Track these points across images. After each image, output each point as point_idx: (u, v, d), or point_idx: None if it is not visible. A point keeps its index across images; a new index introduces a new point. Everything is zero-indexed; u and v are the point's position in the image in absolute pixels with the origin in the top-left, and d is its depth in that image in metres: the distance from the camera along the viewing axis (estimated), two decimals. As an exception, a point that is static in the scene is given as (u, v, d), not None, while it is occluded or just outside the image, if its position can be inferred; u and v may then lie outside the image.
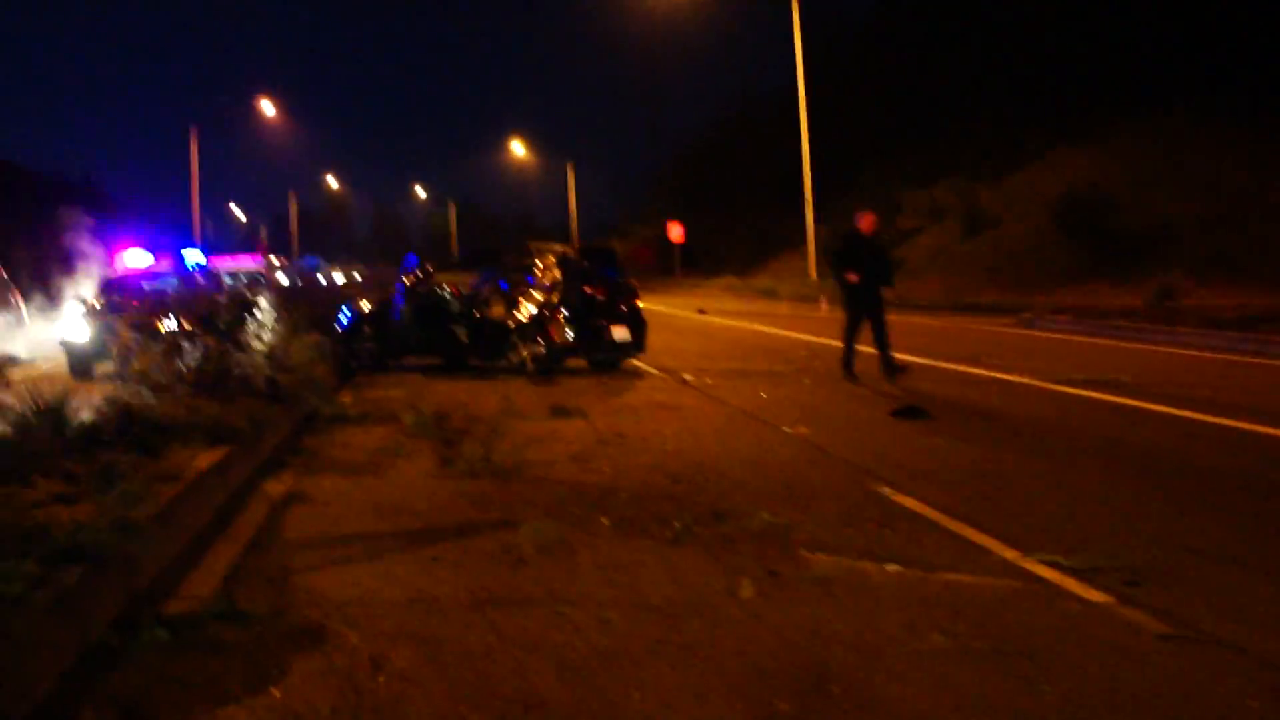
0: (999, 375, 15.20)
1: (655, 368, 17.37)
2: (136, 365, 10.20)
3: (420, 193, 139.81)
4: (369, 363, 17.96)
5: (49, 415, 7.74)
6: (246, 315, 10.72)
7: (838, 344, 20.62)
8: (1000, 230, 44.18)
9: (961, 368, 16.34)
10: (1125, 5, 47.15)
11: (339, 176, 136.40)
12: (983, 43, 53.59)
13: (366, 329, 18.21)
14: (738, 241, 67.35)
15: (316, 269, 21.43)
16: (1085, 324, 24.01)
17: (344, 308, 18.83)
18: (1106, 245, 36.81)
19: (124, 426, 8.21)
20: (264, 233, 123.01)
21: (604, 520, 7.29)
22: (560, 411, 12.44)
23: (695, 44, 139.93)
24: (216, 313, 10.49)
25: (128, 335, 10.45)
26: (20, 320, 20.49)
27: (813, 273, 47.70)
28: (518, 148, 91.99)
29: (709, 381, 15.45)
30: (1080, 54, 47.35)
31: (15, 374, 10.70)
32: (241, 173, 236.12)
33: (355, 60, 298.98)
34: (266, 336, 12.27)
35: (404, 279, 18.14)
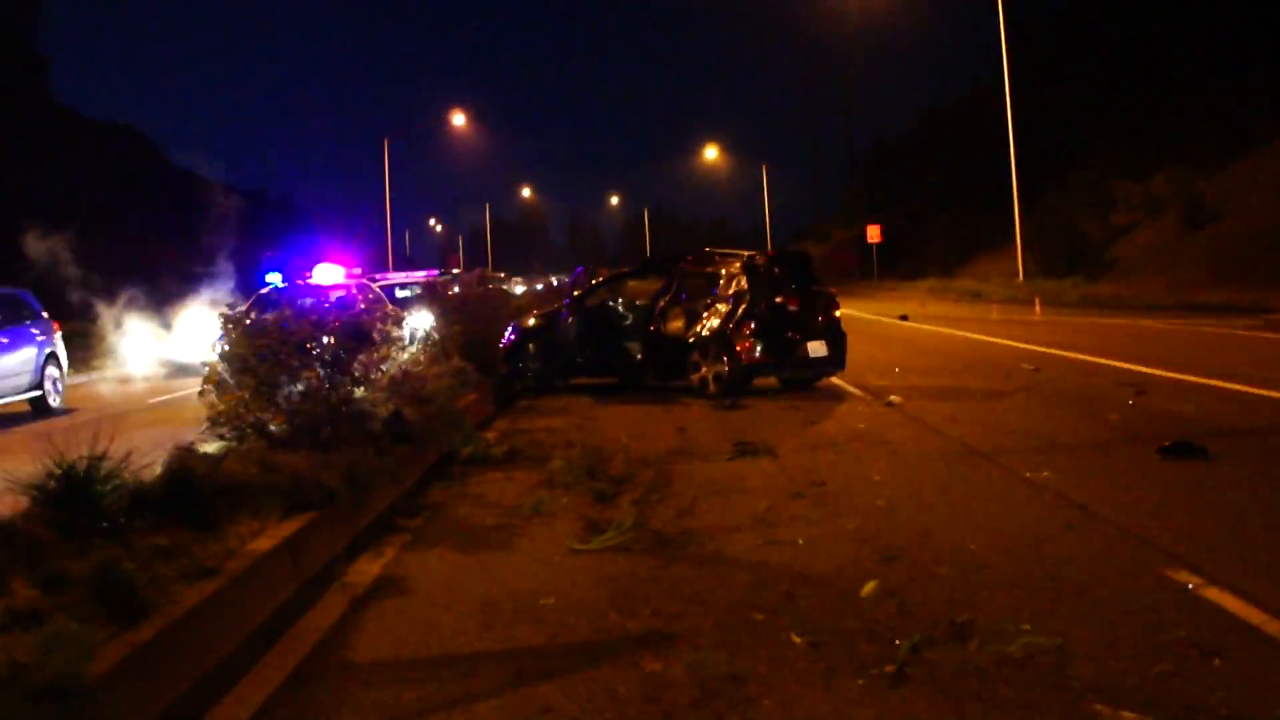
0: (1273, 394, 12.38)
1: (856, 386, 15.04)
2: (221, 405, 8.40)
3: (614, 200, 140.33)
4: (534, 384, 16.09)
5: (73, 479, 5.89)
6: (360, 340, 8.84)
7: (1062, 353, 18.14)
8: (1224, 223, 40.27)
9: (1219, 383, 13.53)
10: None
11: (534, 187, 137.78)
12: (1195, 24, 49.54)
13: (531, 347, 16.34)
14: (939, 242, 64.17)
15: (483, 283, 19.91)
16: (1352, 326, 20.78)
17: (511, 325, 17.00)
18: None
19: (176, 491, 6.35)
20: (460, 245, 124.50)
21: (795, 638, 5.07)
22: (744, 448, 10.24)
23: (893, 42, 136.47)
24: (321, 338, 8.61)
25: (215, 365, 8.67)
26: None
27: (1020, 273, 44.59)
28: (711, 153, 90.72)
29: (920, 404, 13.05)
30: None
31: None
32: (440, 188, 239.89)
33: (549, 70, 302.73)
34: (396, 363, 10.41)
35: (573, 291, 16.21)
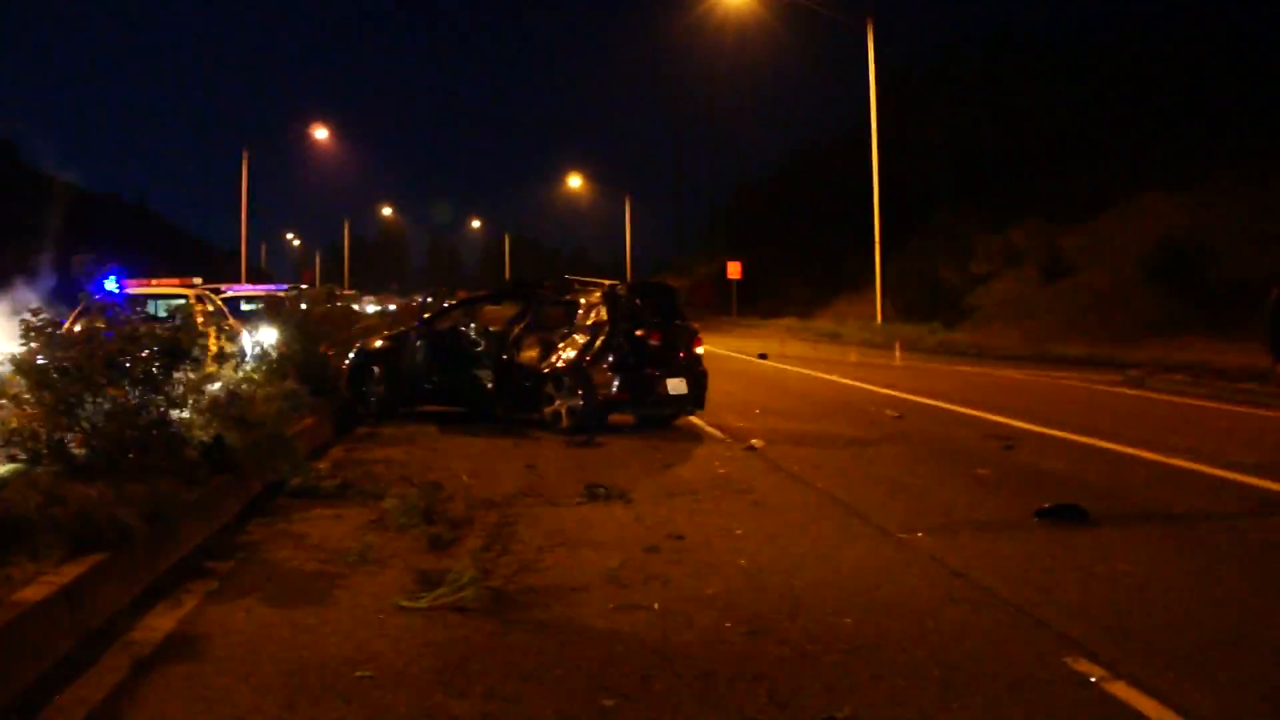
0: (1144, 454, 12.08)
1: (716, 427, 14.46)
2: (13, 423, 7.43)
3: (476, 224, 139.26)
4: (377, 411, 15.16)
5: None
6: (176, 357, 7.95)
7: (925, 400, 17.84)
8: (1080, 277, 40.98)
9: (1086, 439, 13.27)
10: (1213, 47, 44.24)
11: (395, 207, 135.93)
12: (1061, 83, 50.79)
13: (376, 370, 15.42)
14: (799, 282, 64.42)
15: (330, 299, 18.92)
16: (1206, 385, 20.81)
17: (355, 346, 16.05)
18: (1199, 297, 33.59)
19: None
20: (316, 261, 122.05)
21: (649, 731, 4.39)
22: (596, 492, 9.54)
23: (761, 81, 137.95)
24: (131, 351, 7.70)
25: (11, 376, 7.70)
26: None
27: (879, 317, 44.80)
28: (575, 181, 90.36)
29: (783, 449, 12.51)
30: (1164, 97, 44.36)
31: None
32: (300, 202, 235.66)
33: (415, 91, 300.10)
34: (224, 382, 9.51)
35: (422, 314, 15.36)
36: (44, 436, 7.41)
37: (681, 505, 9.17)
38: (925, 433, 14.11)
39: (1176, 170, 41.33)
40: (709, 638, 5.61)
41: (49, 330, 7.87)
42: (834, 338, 43.42)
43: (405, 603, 6.10)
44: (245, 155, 57.93)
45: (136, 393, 7.76)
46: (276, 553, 7.35)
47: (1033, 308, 41.29)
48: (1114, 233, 41.83)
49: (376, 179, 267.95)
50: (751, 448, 12.63)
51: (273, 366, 12.69)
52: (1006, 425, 14.59)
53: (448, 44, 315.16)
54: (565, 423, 13.86)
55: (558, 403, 14.07)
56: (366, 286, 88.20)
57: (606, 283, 15.30)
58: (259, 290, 27.65)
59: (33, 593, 5.13)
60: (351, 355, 15.76)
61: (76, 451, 7.41)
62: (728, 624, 5.82)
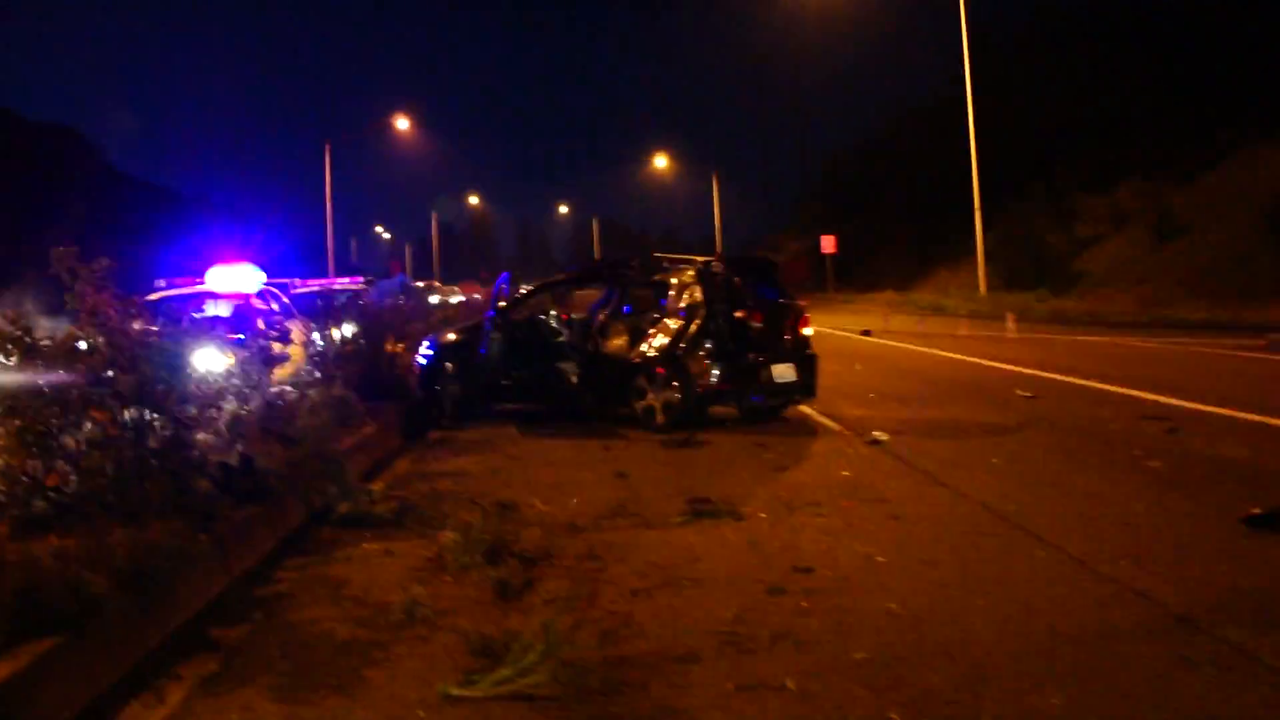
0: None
1: (830, 417, 12.81)
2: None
3: (563, 210, 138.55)
4: (452, 411, 13.68)
5: None
6: (173, 370, 6.50)
7: (1055, 376, 16.04)
8: (1194, 237, 38.59)
9: (1259, 417, 11.44)
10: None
11: (483, 195, 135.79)
12: (1161, 38, 47.84)
13: (450, 367, 13.93)
14: (895, 254, 62.35)
15: (402, 289, 17.48)
16: (1364, 346, 18.79)
17: (426, 341, 14.56)
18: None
19: None
20: (406, 253, 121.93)
21: None
22: (701, 508, 7.95)
23: (854, 51, 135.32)
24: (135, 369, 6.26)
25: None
26: None
27: (982, 286, 42.71)
28: (661, 161, 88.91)
29: (911, 442, 10.84)
30: (1267, 50, 41.48)
31: None
32: (388, 195, 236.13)
33: (501, 79, 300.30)
34: (259, 391, 8.07)
35: (496, 302, 13.83)
36: (19, 474, 5.98)
37: (805, 522, 7.55)
38: (1070, 415, 12.35)
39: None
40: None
41: (27, 341, 6.42)
42: (937, 310, 41.52)
43: (455, 690, 4.56)
44: (328, 148, 57.83)
45: (131, 414, 6.29)
46: (305, 610, 5.85)
47: (1145, 270, 39.10)
48: (1227, 188, 39.42)
49: (464, 170, 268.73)
50: (876, 441, 10.97)
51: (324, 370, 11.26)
52: (1157, 403, 12.82)
53: (528, 28, 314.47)
54: (660, 419, 12.31)
55: (650, 397, 12.50)
56: (455, 276, 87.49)
57: (700, 259, 13.66)
58: (334, 284, 26.39)
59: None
60: (424, 350, 14.30)
61: (50, 495, 5.95)
62: (892, 715, 4.22)
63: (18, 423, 5.94)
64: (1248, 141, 40.29)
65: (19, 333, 6.34)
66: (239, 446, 7.26)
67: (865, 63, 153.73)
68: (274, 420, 8.28)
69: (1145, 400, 13.15)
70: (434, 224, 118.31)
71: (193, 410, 6.80)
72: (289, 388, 8.98)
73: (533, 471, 9.92)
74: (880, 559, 6.53)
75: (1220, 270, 34.83)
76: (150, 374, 6.36)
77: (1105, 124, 49.30)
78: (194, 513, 6.16)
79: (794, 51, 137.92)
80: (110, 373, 6.23)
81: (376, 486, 8.68)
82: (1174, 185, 42.02)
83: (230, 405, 7.22)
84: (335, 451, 8.42)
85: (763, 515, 7.80)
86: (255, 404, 7.96)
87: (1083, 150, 49.64)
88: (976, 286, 43.64)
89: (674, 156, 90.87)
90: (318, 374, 11.12)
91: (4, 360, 6.24)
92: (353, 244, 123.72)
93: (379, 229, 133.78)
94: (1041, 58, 54.89)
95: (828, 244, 58.19)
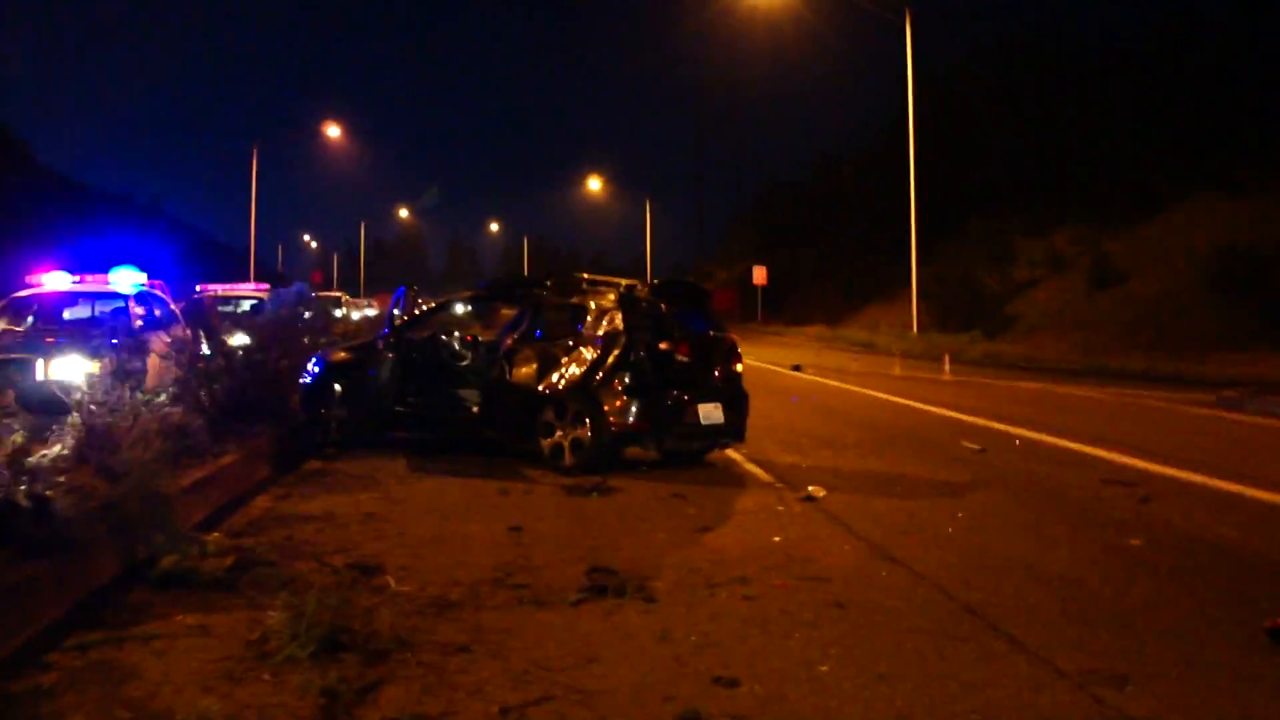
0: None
1: (759, 464, 11.49)
2: None
3: (494, 227, 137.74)
4: (337, 438, 12.19)
5: None
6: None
7: (1002, 426, 14.87)
8: (1131, 286, 37.97)
9: (1236, 486, 10.27)
10: (1262, 47, 41.01)
11: (414, 209, 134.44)
12: (1106, 83, 47.60)
13: (338, 388, 12.43)
14: (827, 288, 61.35)
15: (301, 300, 16.05)
16: (1323, 410, 17.78)
17: (314, 358, 13.03)
18: (1266, 307, 30.55)
19: None
20: (334, 262, 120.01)
21: None
22: (604, 582, 6.51)
23: (790, 81, 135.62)
24: None
25: None
26: None
27: (915, 325, 41.77)
28: (594, 184, 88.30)
29: (851, 501, 9.52)
30: (1212, 99, 41.31)
31: None
32: (320, 205, 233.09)
33: (432, 94, 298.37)
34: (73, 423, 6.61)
35: (392, 320, 12.36)
36: None
37: (729, 608, 6.15)
38: (1025, 475, 11.12)
39: (1228, 174, 38.32)
40: None
41: None
42: (868, 347, 40.53)
43: None
44: (255, 151, 56.57)
45: None
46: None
47: (1081, 317, 38.42)
48: (1165, 239, 38.94)
49: (395, 183, 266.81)
50: (810, 498, 9.62)
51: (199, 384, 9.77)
52: (1120, 464, 11.69)
53: (466, 44, 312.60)
54: (568, 460, 10.90)
55: (559, 434, 11.10)
56: (384, 289, 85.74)
57: (624, 282, 12.28)
58: (236, 290, 24.76)
59: None
60: (311, 368, 12.78)
61: None
62: None
63: None
64: (1187, 193, 39.92)
65: None
66: (24, 485, 5.78)
67: (808, 95, 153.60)
68: (93, 449, 6.83)
69: (1105, 460, 12.00)
70: (361, 235, 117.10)
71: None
72: (121, 409, 7.52)
73: (412, 520, 8.46)
74: (823, 668, 5.16)
75: (1157, 321, 34.18)
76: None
77: (1045, 168, 48.87)
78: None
79: (735, 80, 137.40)
80: None
81: (213, 537, 7.14)
82: (1112, 233, 41.54)
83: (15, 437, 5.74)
84: (165, 489, 6.93)
85: (678, 595, 6.39)
86: (69, 430, 6.53)
87: (1021, 193, 49.17)
88: (909, 325, 42.69)
89: (608, 180, 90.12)
90: (173, 389, 9.67)
91: None
92: (279, 251, 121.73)
93: (306, 237, 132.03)
94: (983, 99, 54.48)
95: (759, 275, 57.24)
